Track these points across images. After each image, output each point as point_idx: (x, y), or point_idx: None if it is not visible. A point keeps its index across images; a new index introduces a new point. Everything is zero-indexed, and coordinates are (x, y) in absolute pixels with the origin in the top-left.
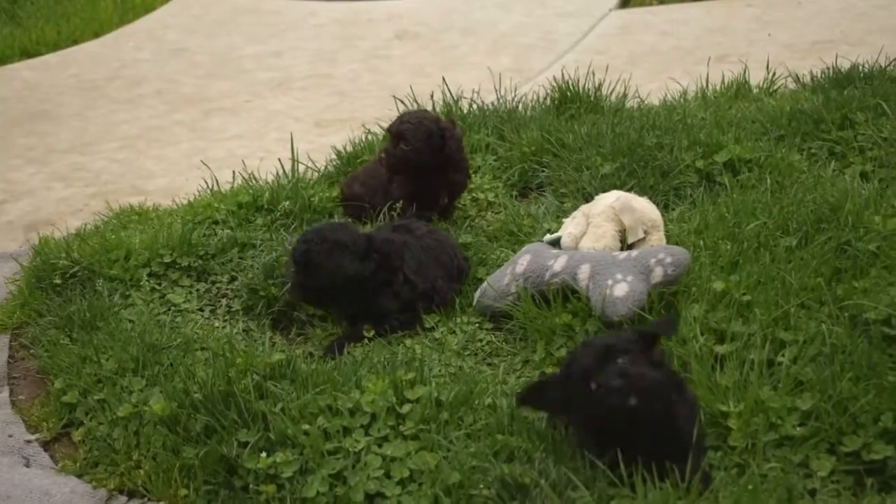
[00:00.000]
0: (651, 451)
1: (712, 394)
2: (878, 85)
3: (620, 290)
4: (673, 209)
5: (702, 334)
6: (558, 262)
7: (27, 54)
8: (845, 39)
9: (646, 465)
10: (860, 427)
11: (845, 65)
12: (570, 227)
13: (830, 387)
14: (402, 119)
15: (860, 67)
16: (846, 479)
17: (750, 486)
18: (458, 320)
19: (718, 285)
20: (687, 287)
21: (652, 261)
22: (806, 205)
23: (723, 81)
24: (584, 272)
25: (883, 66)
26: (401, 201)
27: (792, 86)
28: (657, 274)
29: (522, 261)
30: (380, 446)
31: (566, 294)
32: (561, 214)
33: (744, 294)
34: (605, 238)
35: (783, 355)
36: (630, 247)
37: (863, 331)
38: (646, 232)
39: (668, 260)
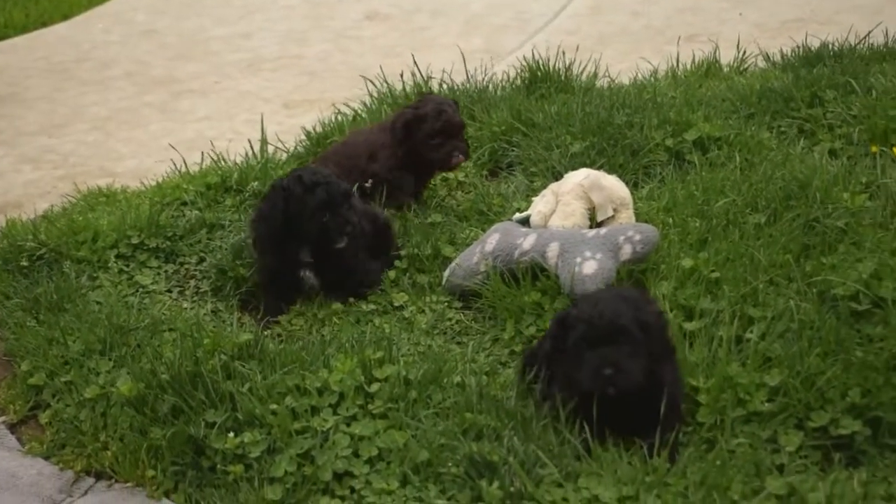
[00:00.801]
0: (622, 424)
1: (682, 370)
2: (847, 63)
3: (589, 267)
4: (642, 187)
5: (671, 311)
6: (527, 241)
7: None
8: (815, 18)
9: (617, 436)
10: (828, 402)
11: (815, 43)
12: (539, 206)
13: (798, 363)
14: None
15: (830, 46)
16: (814, 455)
17: (718, 462)
18: (428, 299)
19: (687, 262)
20: (656, 264)
21: (621, 238)
22: (775, 182)
23: (693, 60)
24: (552, 250)
25: (852, 44)
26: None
27: (762, 64)
28: (626, 251)
29: (491, 239)
30: (348, 425)
31: (535, 272)
32: (531, 193)
33: (712, 271)
34: (574, 216)
35: (752, 332)
36: (599, 225)
37: (831, 307)
38: (615, 210)
39: (637, 237)
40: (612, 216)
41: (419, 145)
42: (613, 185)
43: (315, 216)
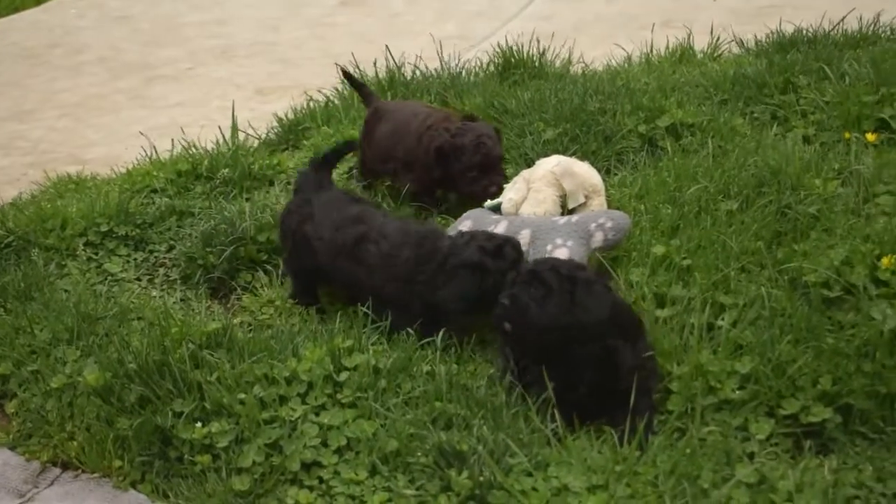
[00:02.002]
0: (591, 410)
1: (656, 357)
2: (820, 49)
3: (561, 254)
4: (615, 174)
5: (643, 299)
6: (499, 228)
7: None
8: (790, 3)
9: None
10: (799, 390)
11: (789, 29)
12: (510, 193)
13: (769, 350)
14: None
15: (804, 32)
16: (785, 442)
17: (688, 450)
18: None
19: (659, 249)
20: (627, 251)
21: (592, 225)
22: (747, 168)
23: (667, 47)
24: (524, 237)
25: (826, 30)
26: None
27: (736, 50)
28: (597, 238)
29: (463, 227)
30: (317, 415)
31: None
32: (503, 180)
33: (684, 258)
34: (546, 203)
35: (723, 319)
36: (571, 212)
37: (802, 294)
38: (587, 197)
39: (609, 224)
40: (584, 203)
41: (455, 175)
42: (585, 172)
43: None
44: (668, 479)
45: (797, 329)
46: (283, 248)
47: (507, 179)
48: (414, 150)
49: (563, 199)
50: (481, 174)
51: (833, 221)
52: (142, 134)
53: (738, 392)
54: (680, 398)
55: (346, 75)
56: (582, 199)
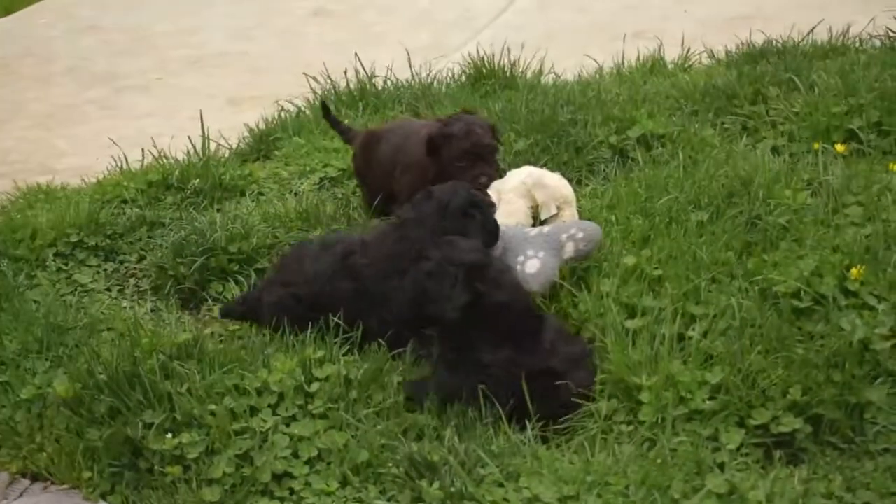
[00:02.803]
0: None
1: (626, 368)
2: (790, 60)
3: (532, 266)
4: (586, 185)
5: (613, 308)
6: None
7: None
8: (760, 14)
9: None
10: (769, 400)
11: (759, 40)
12: None
13: (740, 360)
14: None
15: (774, 43)
16: (755, 452)
17: (658, 461)
18: None
19: (630, 260)
20: (598, 262)
21: (563, 236)
22: (718, 179)
23: (638, 57)
24: (496, 249)
25: (796, 41)
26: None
27: (707, 61)
28: (569, 249)
29: None
30: (287, 426)
31: None
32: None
33: (655, 269)
34: (517, 214)
35: (693, 329)
36: (543, 223)
37: (772, 304)
38: (558, 208)
39: (580, 235)
40: (556, 214)
41: (446, 165)
42: (556, 183)
43: None
44: (638, 489)
45: (767, 339)
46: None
47: (501, 174)
48: (415, 153)
49: (535, 210)
50: (471, 163)
51: (803, 232)
52: (112, 142)
53: (708, 402)
54: (651, 408)
55: (325, 108)
56: (554, 211)
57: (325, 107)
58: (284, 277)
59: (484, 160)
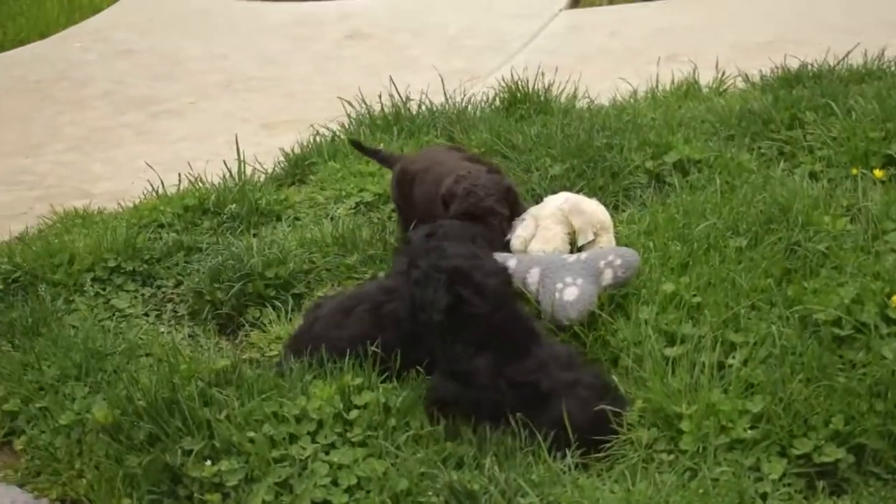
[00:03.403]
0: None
1: (666, 396)
2: (826, 84)
3: (570, 294)
4: (623, 210)
5: (652, 335)
6: (510, 262)
7: None
8: (793, 39)
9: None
10: (811, 429)
11: (794, 64)
12: (518, 230)
13: (781, 389)
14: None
15: (809, 67)
16: (798, 483)
17: (701, 490)
18: None
19: (668, 287)
20: (637, 289)
21: (601, 263)
22: (755, 205)
23: (672, 81)
24: (533, 276)
25: (831, 65)
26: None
27: (741, 85)
28: (607, 276)
29: None
30: (327, 453)
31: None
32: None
33: (694, 295)
34: (555, 241)
35: (733, 357)
36: (580, 249)
37: (813, 332)
38: (595, 234)
39: (618, 262)
40: (593, 240)
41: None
42: (594, 209)
43: None
44: None
45: (808, 368)
46: None
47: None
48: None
49: (572, 236)
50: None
51: (842, 259)
52: (149, 166)
53: (750, 431)
54: (691, 437)
55: (357, 145)
56: (591, 237)
57: (356, 144)
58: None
59: (483, 222)
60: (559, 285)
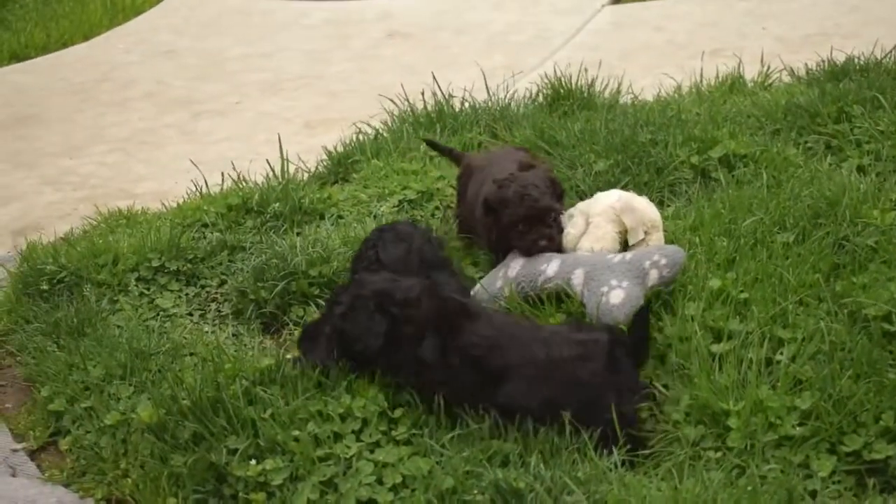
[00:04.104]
0: None
1: (713, 393)
2: (873, 78)
3: (616, 297)
4: (668, 206)
5: (698, 332)
6: (551, 267)
7: (16, 57)
8: (839, 32)
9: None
10: (861, 426)
11: (840, 58)
12: (567, 227)
13: (830, 385)
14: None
15: (855, 60)
16: (847, 480)
17: (749, 488)
18: None
19: (715, 283)
20: (683, 285)
21: (647, 263)
22: (803, 200)
23: (717, 76)
24: (577, 277)
25: (878, 58)
26: None
27: (787, 79)
28: (652, 277)
29: (514, 264)
30: (371, 452)
31: (560, 295)
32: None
33: (741, 291)
34: (605, 240)
35: (782, 353)
36: (629, 248)
37: (862, 327)
38: (646, 232)
39: (663, 262)
40: (643, 239)
41: (504, 230)
42: (645, 208)
43: None
44: None
45: (858, 364)
46: None
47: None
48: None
49: (623, 234)
50: (528, 227)
51: (892, 253)
52: (193, 164)
53: (798, 428)
54: (739, 434)
55: (431, 144)
56: (642, 236)
57: (430, 143)
58: None
59: (542, 223)
60: (604, 288)
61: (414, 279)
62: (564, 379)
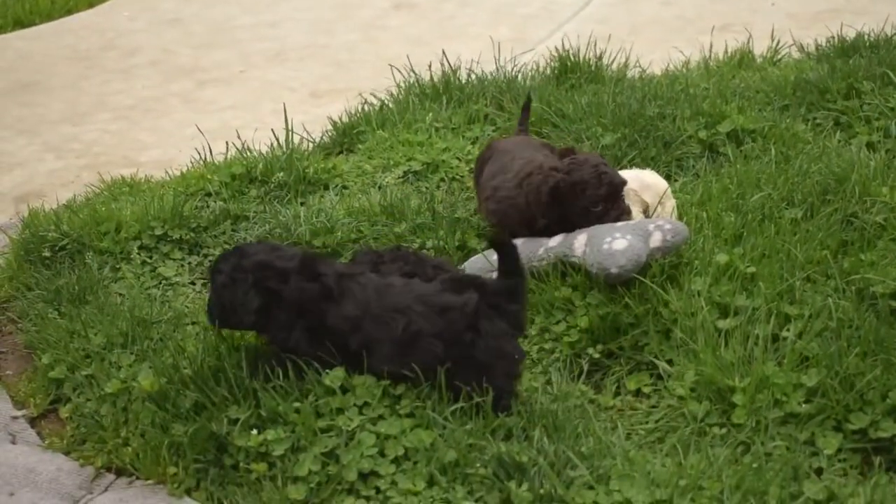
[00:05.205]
0: None
1: (719, 369)
2: (884, 54)
3: (619, 244)
4: (675, 180)
5: (705, 307)
6: (554, 239)
7: (20, 24)
8: (849, 8)
9: None
10: (867, 404)
11: (850, 34)
12: None
13: (837, 363)
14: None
15: (866, 37)
16: (853, 458)
17: (754, 465)
18: None
19: (722, 258)
20: (689, 260)
21: (651, 226)
22: (811, 176)
23: (726, 51)
24: (580, 241)
25: (889, 35)
26: None
27: (796, 55)
28: (656, 238)
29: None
30: (374, 424)
31: (564, 272)
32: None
33: (748, 267)
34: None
35: (788, 330)
36: None
37: (870, 305)
38: (660, 203)
39: (668, 227)
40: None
41: (577, 213)
42: (656, 181)
43: None
44: (733, 494)
45: (865, 341)
46: None
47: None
48: (511, 196)
49: (645, 211)
50: (608, 206)
51: None
52: (199, 131)
53: (804, 405)
54: (744, 411)
55: (527, 105)
56: (660, 208)
57: (528, 101)
58: None
59: (619, 199)
60: (608, 239)
61: (295, 250)
62: (426, 353)
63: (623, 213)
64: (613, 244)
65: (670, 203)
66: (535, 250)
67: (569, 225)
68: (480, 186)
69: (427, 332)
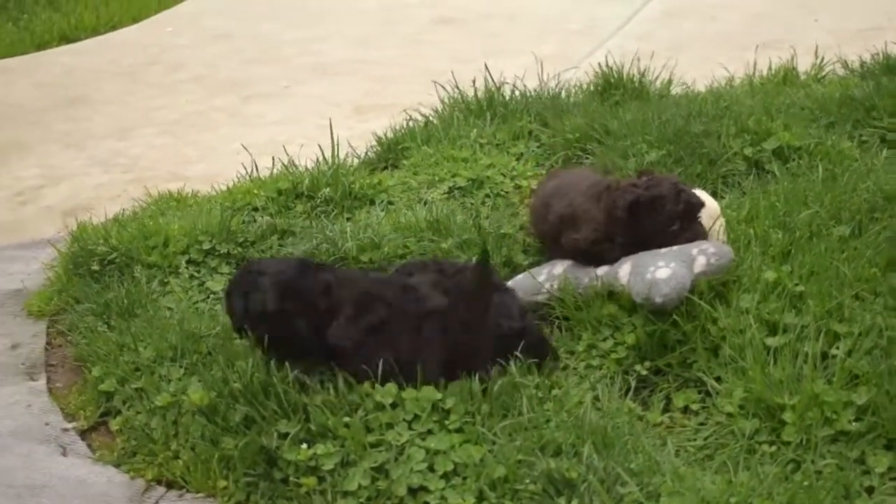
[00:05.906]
0: None
1: (768, 387)
2: None
3: (663, 273)
4: (722, 197)
5: (753, 325)
6: (601, 269)
7: (66, 39)
8: (892, 26)
9: None
10: None
11: (895, 51)
12: None
13: (887, 380)
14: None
15: None
16: None
17: (805, 483)
18: None
19: (770, 275)
20: (737, 277)
21: (694, 251)
22: (859, 193)
23: (770, 67)
24: (624, 270)
25: None
26: None
27: (840, 72)
28: (700, 262)
29: (562, 264)
30: (423, 439)
31: (611, 291)
32: None
33: (796, 284)
34: None
35: (837, 348)
36: None
37: None
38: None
39: (711, 250)
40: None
41: (655, 230)
42: (710, 201)
43: None
44: None
45: None
46: None
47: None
48: (583, 206)
49: None
50: (685, 225)
51: None
52: (244, 148)
53: (854, 423)
54: (794, 429)
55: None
56: (713, 226)
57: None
58: None
59: (696, 220)
60: (651, 268)
61: (289, 260)
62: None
63: (697, 237)
64: (657, 273)
65: (719, 221)
66: (581, 279)
67: (639, 244)
68: (541, 202)
69: None
